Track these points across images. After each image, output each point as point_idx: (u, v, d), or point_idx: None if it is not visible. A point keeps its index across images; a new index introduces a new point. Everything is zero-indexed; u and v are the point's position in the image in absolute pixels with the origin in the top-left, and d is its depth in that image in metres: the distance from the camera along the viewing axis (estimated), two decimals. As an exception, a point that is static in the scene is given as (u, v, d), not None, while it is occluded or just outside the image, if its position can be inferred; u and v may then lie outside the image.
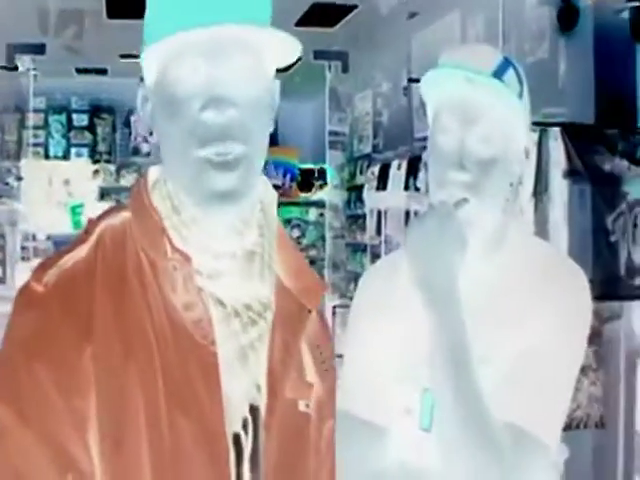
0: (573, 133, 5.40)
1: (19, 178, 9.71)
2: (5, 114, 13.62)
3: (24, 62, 9.06)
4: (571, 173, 5.32)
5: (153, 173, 1.47)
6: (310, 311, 1.48)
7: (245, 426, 1.36)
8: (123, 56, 10.42)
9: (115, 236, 1.39)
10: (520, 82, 1.95)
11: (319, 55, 9.55)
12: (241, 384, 1.36)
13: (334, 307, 9.08)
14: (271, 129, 1.46)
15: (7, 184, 11.67)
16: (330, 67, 9.49)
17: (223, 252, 1.39)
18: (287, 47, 1.41)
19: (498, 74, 1.90)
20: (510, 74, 1.92)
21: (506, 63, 1.93)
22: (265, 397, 1.38)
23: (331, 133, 11.06)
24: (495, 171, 1.91)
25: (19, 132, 13.47)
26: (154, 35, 1.36)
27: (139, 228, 1.39)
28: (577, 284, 1.94)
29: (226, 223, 1.40)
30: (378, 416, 1.99)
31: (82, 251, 1.36)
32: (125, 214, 1.42)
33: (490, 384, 1.79)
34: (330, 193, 11.49)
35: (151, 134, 1.44)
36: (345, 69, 9.52)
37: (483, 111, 1.89)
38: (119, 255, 1.37)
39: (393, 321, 1.99)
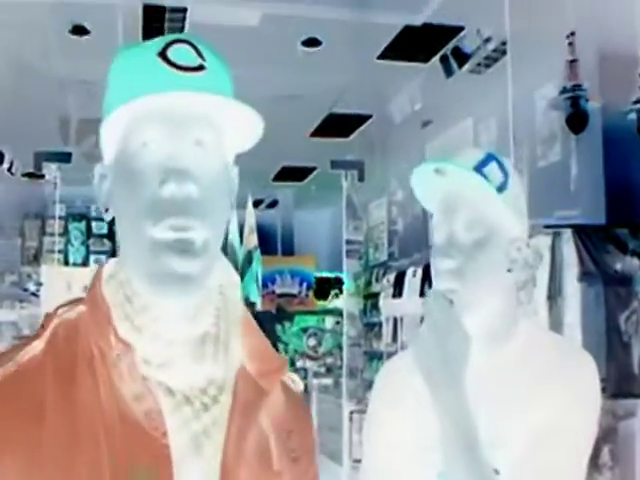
0: (584, 234, 5.45)
1: (39, 283, 9.77)
2: (27, 220, 13.84)
3: (50, 170, 9.23)
4: (584, 274, 5.34)
5: (110, 264, 1.43)
6: (267, 393, 1.40)
7: None
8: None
9: (69, 329, 1.35)
10: (505, 173, 2.00)
11: (336, 165, 9.68)
12: (198, 474, 1.29)
13: (351, 412, 9.02)
14: (229, 216, 1.40)
15: (26, 290, 11.74)
16: (347, 176, 9.60)
17: (175, 339, 1.33)
18: (248, 122, 1.32)
19: (478, 167, 1.96)
20: (492, 167, 1.98)
21: (489, 157, 2.00)
22: None
23: (347, 242, 11.13)
24: (481, 256, 1.95)
25: (40, 238, 13.66)
26: (109, 108, 1.31)
27: (91, 319, 1.35)
28: (585, 368, 1.95)
29: (179, 309, 1.33)
30: None
31: (38, 346, 1.33)
32: (81, 307, 1.39)
33: (506, 466, 1.82)
34: (346, 301, 11.50)
35: (107, 211, 1.39)
36: (361, 178, 9.64)
37: (463, 199, 1.96)
38: (71, 348, 1.33)
39: (406, 412, 2.02)
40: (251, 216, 11.00)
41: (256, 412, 1.37)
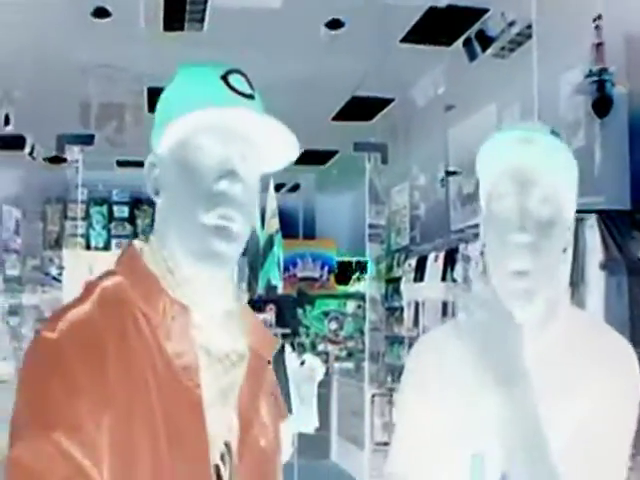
0: (609, 220, 5.38)
1: (61, 267, 9.80)
2: (48, 205, 13.87)
3: (73, 153, 9.23)
4: (608, 261, 5.28)
5: (140, 243, 1.68)
6: (269, 362, 1.73)
7: (223, 458, 1.58)
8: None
9: (110, 295, 1.58)
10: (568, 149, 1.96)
11: (359, 147, 9.62)
12: (220, 421, 1.58)
13: (373, 395, 8.99)
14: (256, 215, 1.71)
15: (48, 274, 11.78)
16: (370, 159, 9.55)
17: (209, 308, 1.62)
18: (286, 142, 1.64)
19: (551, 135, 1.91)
20: (559, 140, 1.93)
21: (553, 132, 1.92)
22: (237, 433, 1.60)
23: (370, 226, 11.11)
24: (553, 234, 1.86)
25: (61, 222, 13.69)
26: (173, 114, 1.58)
27: (133, 288, 1.59)
28: (627, 352, 1.89)
29: (214, 283, 1.63)
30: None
31: (86, 306, 1.55)
32: (117, 278, 1.62)
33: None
34: (368, 285, 11.48)
35: (157, 194, 1.65)
36: (384, 161, 9.59)
37: (541, 171, 1.86)
38: (117, 311, 1.55)
39: (435, 396, 1.98)
40: (273, 200, 10.96)
41: (263, 377, 1.70)
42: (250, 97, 1.62)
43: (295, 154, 1.67)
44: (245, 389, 1.63)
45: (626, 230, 5.35)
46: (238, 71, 1.64)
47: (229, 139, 1.58)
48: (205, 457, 1.53)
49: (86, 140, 9.28)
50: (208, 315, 1.61)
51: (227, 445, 1.59)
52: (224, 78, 1.61)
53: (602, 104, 5.88)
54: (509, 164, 1.88)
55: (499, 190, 1.90)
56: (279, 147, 1.65)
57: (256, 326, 1.75)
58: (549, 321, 1.91)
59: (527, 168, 1.86)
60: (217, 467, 1.56)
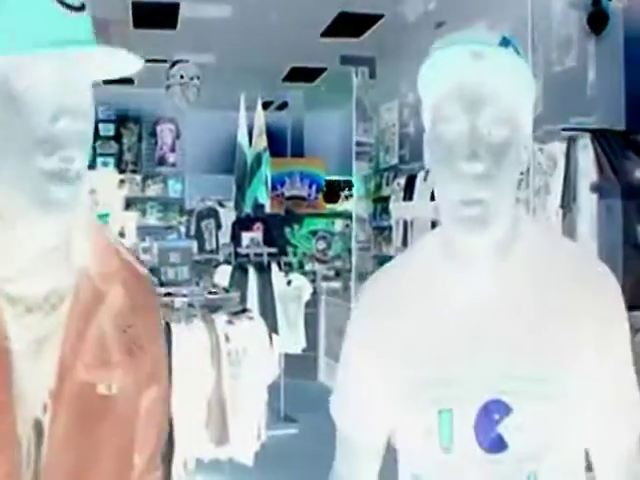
0: (603, 140, 5.28)
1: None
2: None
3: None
4: (602, 182, 5.18)
5: None
6: (105, 293, 1.53)
7: (45, 410, 1.42)
8: (148, 61, 10.40)
9: None
10: (520, 57, 1.71)
11: (346, 60, 9.45)
12: (38, 373, 1.41)
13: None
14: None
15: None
16: (357, 73, 9.38)
17: (28, 254, 1.45)
18: (117, 59, 1.45)
19: (503, 46, 1.69)
20: (510, 50, 1.70)
21: (506, 41, 1.70)
22: (54, 400, 1.43)
23: (357, 144, 11.00)
24: (508, 158, 1.67)
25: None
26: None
27: None
28: (608, 279, 1.76)
29: (45, 232, 1.46)
30: (361, 434, 1.92)
31: None
32: None
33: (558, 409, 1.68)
34: (356, 204, 11.42)
35: None
36: (372, 75, 9.42)
37: (494, 89, 1.66)
38: None
39: (398, 343, 1.81)
40: (260, 118, 10.89)
41: (94, 314, 1.49)
42: (81, 8, 1.42)
43: (136, 63, 1.46)
44: (68, 331, 1.46)
45: (621, 151, 5.24)
46: None
47: (60, 72, 1.39)
48: (10, 413, 1.38)
49: None
50: (26, 260, 1.46)
51: (44, 408, 1.43)
52: None
53: (597, 20, 5.74)
54: (457, 82, 1.68)
55: (446, 112, 1.69)
56: (118, 61, 1.46)
57: (100, 252, 1.57)
58: (510, 247, 1.75)
59: (477, 86, 1.67)
60: (38, 421, 1.42)
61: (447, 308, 1.75)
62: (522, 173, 1.76)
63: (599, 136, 5.31)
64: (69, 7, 1.40)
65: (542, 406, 1.66)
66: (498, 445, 1.67)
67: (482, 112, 1.66)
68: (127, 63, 1.46)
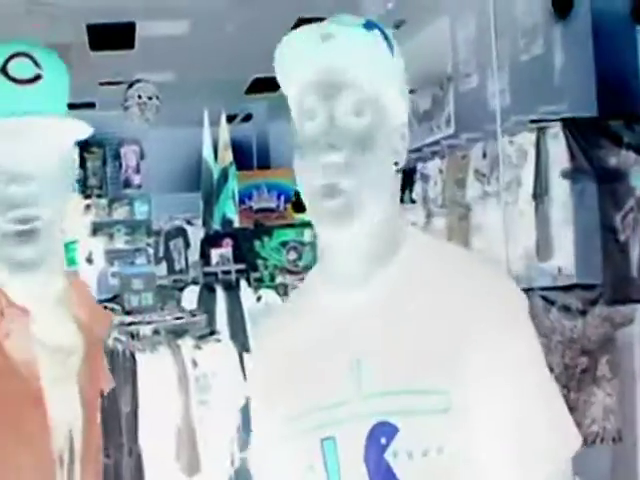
0: (575, 128, 5.16)
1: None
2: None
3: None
4: (575, 171, 5.07)
5: None
6: (101, 338, 1.86)
7: (72, 433, 1.66)
8: (102, 84, 10.25)
9: None
10: (389, 41, 1.59)
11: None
12: (61, 410, 1.63)
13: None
14: (72, 191, 1.73)
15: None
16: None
17: (37, 303, 1.65)
18: (77, 128, 1.68)
19: (366, 29, 1.56)
20: (375, 33, 1.57)
21: (369, 22, 1.59)
22: (81, 421, 1.68)
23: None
24: (374, 146, 1.55)
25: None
26: None
27: None
28: (496, 280, 1.59)
29: (26, 288, 1.65)
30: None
31: None
32: None
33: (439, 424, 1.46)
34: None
35: None
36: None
37: (348, 74, 1.54)
38: None
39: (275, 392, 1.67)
40: (225, 132, 10.73)
41: (99, 355, 1.81)
42: (33, 80, 1.61)
43: (86, 129, 1.70)
44: (84, 372, 1.70)
45: (594, 138, 5.12)
46: (20, 53, 1.61)
47: (13, 140, 1.58)
48: (48, 448, 1.60)
49: None
50: (41, 310, 1.64)
51: (70, 432, 1.67)
52: (3, 69, 1.59)
53: (562, 3, 5.61)
54: (309, 69, 1.57)
55: (306, 105, 1.58)
56: (69, 127, 1.68)
57: (87, 301, 1.80)
58: (388, 254, 1.59)
59: (330, 70, 1.55)
60: (62, 453, 1.64)
61: (325, 329, 1.60)
62: (397, 163, 1.60)
63: (570, 124, 5.19)
64: (17, 81, 1.59)
65: (430, 421, 1.46)
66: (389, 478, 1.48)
67: (339, 97, 1.54)
68: (76, 130, 1.69)
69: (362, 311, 1.55)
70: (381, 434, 1.47)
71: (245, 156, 14.36)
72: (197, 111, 10.89)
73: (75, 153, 1.77)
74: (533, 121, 5.51)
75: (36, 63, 1.62)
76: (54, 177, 1.63)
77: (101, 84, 10.21)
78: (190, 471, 4.64)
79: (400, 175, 1.62)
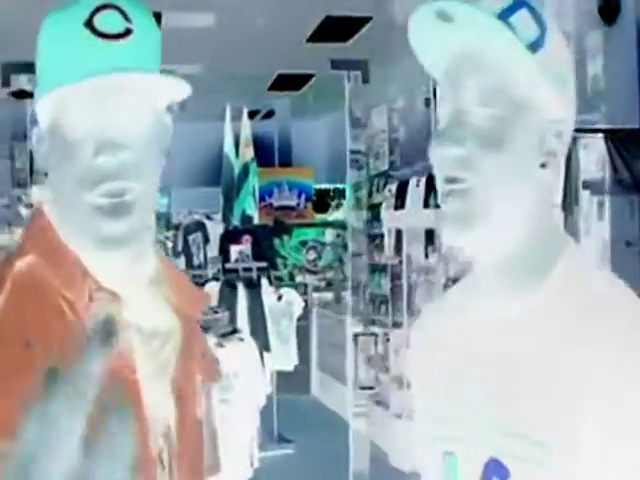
0: (616, 138, 5.06)
1: (29, 205, 9.50)
2: (15, 142, 13.46)
3: (20, 83, 8.66)
4: (616, 182, 4.98)
5: (47, 210, 1.52)
6: (198, 321, 1.69)
7: (165, 439, 1.52)
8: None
9: (26, 283, 1.44)
10: (541, 26, 1.40)
11: (337, 65, 9.07)
12: (159, 402, 1.50)
13: (355, 335, 8.57)
14: (163, 162, 1.53)
15: (17, 213, 11.51)
16: (349, 78, 9.02)
17: (132, 286, 1.50)
18: (176, 88, 1.49)
19: (503, 15, 1.37)
20: (522, 14, 1.39)
21: (518, 3, 1.40)
22: (174, 411, 1.54)
23: (351, 152, 10.75)
24: (502, 142, 1.38)
25: (30, 160, 13.30)
26: (46, 85, 1.44)
27: (54, 271, 1.45)
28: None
29: (123, 263, 1.49)
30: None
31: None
32: (30, 258, 1.47)
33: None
34: (348, 213, 11.17)
35: (46, 175, 1.52)
36: (365, 79, 9.03)
37: (477, 59, 1.39)
38: (35, 304, 1.42)
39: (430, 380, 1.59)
40: (247, 128, 10.69)
41: (193, 340, 1.62)
42: (124, 35, 1.43)
43: (185, 88, 1.49)
44: (180, 363, 1.56)
45: (635, 149, 5.02)
46: (107, 5, 1.43)
47: (102, 104, 1.42)
48: (146, 442, 1.46)
49: (34, 68, 8.56)
50: (134, 292, 1.49)
51: (168, 429, 1.54)
52: (89, 23, 1.41)
53: (609, 9, 5.52)
54: (442, 54, 1.44)
55: (439, 94, 1.46)
56: (165, 88, 1.49)
57: (180, 282, 1.65)
58: (534, 279, 1.41)
59: (455, 58, 1.42)
60: (161, 451, 1.51)
61: (471, 344, 1.47)
62: (543, 166, 1.41)
63: (611, 135, 5.08)
64: (105, 36, 1.41)
65: (538, 473, 1.33)
66: None
67: (464, 87, 1.40)
68: (174, 89, 1.49)
69: (501, 332, 1.41)
70: (494, 473, 1.38)
71: (267, 153, 14.31)
72: (219, 105, 10.87)
73: (169, 117, 1.57)
74: (578, 130, 5.44)
75: (125, 16, 1.44)
76: (147, 144, 1.45)
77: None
78: (211, 471, 4.59)
79: (551, 177, 1.43)
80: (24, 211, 11.09)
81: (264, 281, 8.23)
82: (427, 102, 9.65)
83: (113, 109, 1.42)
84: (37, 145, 1.52)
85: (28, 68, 8.35)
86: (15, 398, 1.35)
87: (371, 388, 8.24)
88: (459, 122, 1.39)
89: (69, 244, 1.47)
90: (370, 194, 11.47)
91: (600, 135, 5.07)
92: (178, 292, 1.60)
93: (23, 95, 9.75)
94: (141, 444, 1.44)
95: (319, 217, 13.98)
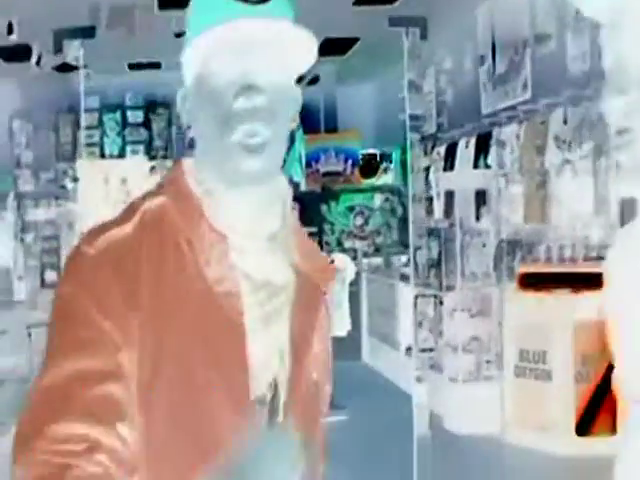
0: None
1: (75, 179, 9.53)
2: (60, 116, 13.48)
3: (73, 49, 8.61)
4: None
5: (185, 164, 1.67)
6: (325, 292, 1.71)
7: (271, 389, 1.58)
8: (178, 35, 10.16)
9: (153, 218, 1.58)
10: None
11: (395, 22, 8.91)
12: (266, 348, 1.57)
13: (416, 297, 8.49)
14: (296, 116, 1.67)
15: (63, 187, 11.55)
16: (407, 34, 8.87)
17: (249, 232, 1.60)
18: (304, 44, 1.59)
19: None
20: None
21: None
22: (288, 365, 1.60)
23: (410, 117, 10.63)
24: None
25: (74, 133, 13.31)
26: (194, 32, 1.57)
27: (178, 211, 1.59)
28: None
29: (252, 205, 1.61)
30: None
31: (127, 227, 1.56)
32: (161, 199, 1.60)
33: None
34: (395, 176, 11.11)
35: (189, 128, 1.67)
36: (424, 36, 8.90)
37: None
38: (159, 234, 1.56)
39: None
40: (292, 93, 10.61)
41: (313, 305, 1.67)
42: (263, 0, 1.57)
43: (314, 52, 1.62)
44: (297, 318, 1.62)
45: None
46: None
47: (243, 51, 1.55)
48: (245, 386, 1.54)
49: (87, 33, 8.50)
50: (250, 239, 1.60)
51: (275, 377, 1.60)
52: None
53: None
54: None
55: (603, 38, 1.51)
56: (301, 48, 1.61)
57: (312, 252, 1.73)
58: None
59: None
60: (263, 398, 1.57)
61: None
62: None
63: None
64: (247, 1, 1.54)
65: None
66: None
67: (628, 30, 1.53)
68: (306, 50, 1.60)
69: None
70: None
71: (312, 119, 14.20)
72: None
73: (298, 89, 1.70)
74: None
75: None
76: (283, 92, 1.58)
77: (177, 35, 10.09)
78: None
79: None
80: (70, 185, 11.16)
81: (316, 247, 8.20)
82: (482, 59, 9.51)
83: (254, 59, 1.55)
84: (182, 104, 1.66)
85: (80, 33, 8.39)
86: (130, 320, 1.48)
87: (431, 350, 8.13)
88: (621, 69, 1.40)
89: (201, 187, 1.60)
90: (418, 157, 11.41)
91: None
92: (305, 257, 1.67)
93: (65, 69, 9.78)
94: (241, 387, 1.53)
95: (366, 182, 13.88)
